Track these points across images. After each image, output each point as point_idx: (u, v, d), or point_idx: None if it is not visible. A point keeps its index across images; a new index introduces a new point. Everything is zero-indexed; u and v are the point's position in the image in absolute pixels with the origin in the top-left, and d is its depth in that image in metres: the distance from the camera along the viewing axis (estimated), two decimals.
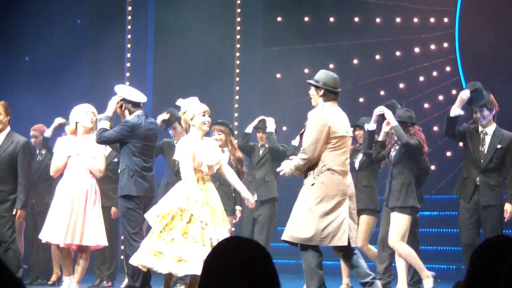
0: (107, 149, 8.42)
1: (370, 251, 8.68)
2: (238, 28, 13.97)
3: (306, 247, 6.24)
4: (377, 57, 13.11)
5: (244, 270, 2.11)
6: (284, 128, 12.43)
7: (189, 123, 6.88)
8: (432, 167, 9.95)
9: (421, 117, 10.95)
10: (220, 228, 6.71)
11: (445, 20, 12.56)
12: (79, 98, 8.61)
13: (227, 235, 6.72)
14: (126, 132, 7.28)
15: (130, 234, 7.25)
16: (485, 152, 7.61)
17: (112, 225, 9.25)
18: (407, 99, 11.56)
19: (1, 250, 7.47)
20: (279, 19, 13.89)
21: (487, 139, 7.64)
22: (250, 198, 7.10)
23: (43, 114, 10.67)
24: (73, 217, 7.42)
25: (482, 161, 7.59)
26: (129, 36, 13.20)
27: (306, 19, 13.69)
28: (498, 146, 7.58)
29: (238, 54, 13.93)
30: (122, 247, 8.71)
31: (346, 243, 6.19)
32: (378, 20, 13.10)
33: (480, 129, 7.68)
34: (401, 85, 12.81)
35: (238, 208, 9.19)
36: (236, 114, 13.66)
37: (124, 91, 7.58)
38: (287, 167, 6.45)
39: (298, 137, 8.68)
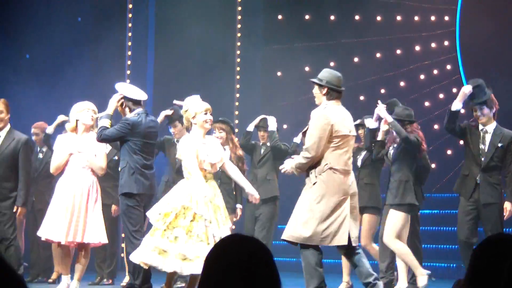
0: (107, 147, 8.42)
1: (373, 250, 8.67)
2: (239, 26, 13.96)
3: (306, 245, 6.24)
4: (378, 55, 13.10)
5: (245, 268, 2.11)
6: (285, 126, 12.43)
7: (191, 121, 6.87)
8: (433, 165, 9.94)
9: (422, 115, 10.94)
10: (223, 226, 6.71)
11: (446, 18, 12.54)
12: (80, 96, 8.59)
13: (229, 233, 6.72)
14: (126, 130, 7.28)
15: (131, 231, 7.25)
16: (486, 150, 7.61)
17: (113, 223, 9.25)
18: (408, 97, 11.53)
19: (3, 248, 7.46)
20: (279, 17, 13.89)
21: (488, 137, 7.65)
22: (255, 194, 7.03)
23: (44, 112, 10.67)
24: (75, 214, 7.41)
25: (483, 159, 7.60)
26: (129, 34, 13.20)
27: (307, 17, 13.68)
28: (499, 145, 7.58)
29: (238, 52, 13.92)
30: (123, 245, 8.71)
31: (346, 243, 6.19)
32: (378, 18, 13.09)
33: (481, 127, 7.69)
34: (402, 83, 12.79)
35: (239, 206, 9.19)
36: (236, 112, 13.65)
37: (125, 89, 7.58)
38: (288, 165, 6.45)
39: (300, 135, 8.69)
